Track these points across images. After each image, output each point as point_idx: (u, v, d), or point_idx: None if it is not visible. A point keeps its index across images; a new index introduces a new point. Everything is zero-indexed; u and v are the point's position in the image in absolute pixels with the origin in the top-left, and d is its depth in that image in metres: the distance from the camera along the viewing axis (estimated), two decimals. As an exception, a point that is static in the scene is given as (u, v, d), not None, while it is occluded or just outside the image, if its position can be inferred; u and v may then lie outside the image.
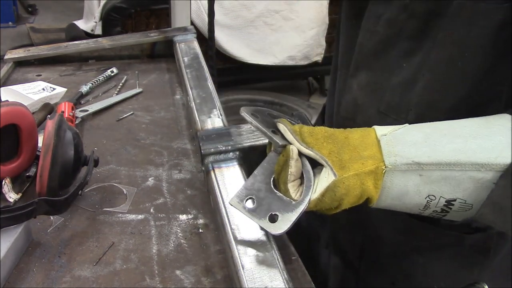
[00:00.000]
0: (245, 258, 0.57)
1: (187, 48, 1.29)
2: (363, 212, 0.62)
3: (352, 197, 0.55)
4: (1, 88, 1.07)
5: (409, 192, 0.56)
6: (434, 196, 0.55)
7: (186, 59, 1.21)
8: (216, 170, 0.73)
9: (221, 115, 0.92)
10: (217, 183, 0.70)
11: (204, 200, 0.79)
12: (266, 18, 3.13)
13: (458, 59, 0.60)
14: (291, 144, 0.57)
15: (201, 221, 0.75)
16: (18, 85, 1.13)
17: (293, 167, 0.56)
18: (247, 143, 0.76)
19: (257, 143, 0.76)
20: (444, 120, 0.58)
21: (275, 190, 0.57)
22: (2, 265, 0.61)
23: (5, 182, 0.77)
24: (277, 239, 0.61)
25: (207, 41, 2.07)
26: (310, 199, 0.55)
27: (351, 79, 0.74)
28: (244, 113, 0.60)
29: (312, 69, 3.35)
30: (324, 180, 0.56)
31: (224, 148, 0.75)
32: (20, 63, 1.31)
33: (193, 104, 0.97)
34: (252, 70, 3.09)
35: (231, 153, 0.76)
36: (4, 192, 0.76)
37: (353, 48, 0.74)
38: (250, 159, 0.76)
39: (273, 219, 0.55)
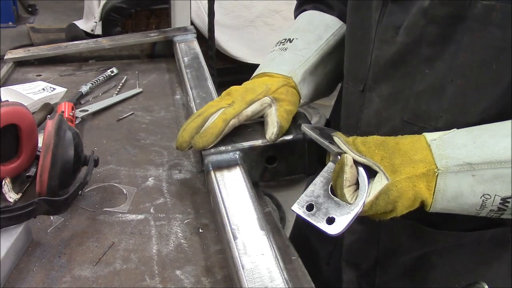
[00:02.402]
0: (245, 258, 0.57)
1: (187, 48, 1.29)
2: (375, 225, 0.64)
3: (405, 199, 0.58)
4: (1, 88, 1.08)
5: (463, 193, 0.58)
6: (489, 195, 0.57)
7: (186, 59, 1.21)
8: (216, 170, 0.73)
9: (221, 115, 0.92)
10: (217, 183, 0.70)
11: (204, 200, 0.79)
12: (266, 18, 3.13)
13: (492, 62, 0.60)
14: (345, 153, 0.62)
15: (201, 221, 0.75)
16: (18, 85, 1.13)
17: (348, 173, 0.60)
18: (247, 143, 0.76)
19: (257, 143, 0.76)
20: (475, 122, 0.62)
21: (333, 196, 0.62)
22: (2, 265, 0.61)
23: (5, 182, 0.77)
24: (277, 239, 0.62)
25: (207, 41, 2.07)
26: (364, 201, 0.59)
27: (370, 92, 0.73)
28: (305, 128, 0.68)
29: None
30: (377, 184, 0.59)
31: (224, 148, 0.76)
32: (20, 63, 1.31)
33: (193, 104, 0.97)
34: (252, 70, 3.08)
35: (231, 153, 0.76)
36: (4, 192, 0.76)
37: (362, 61, 0.74)
38: (250, 159, 0.76)
39: (330, 221, 0.59)
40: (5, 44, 3.82)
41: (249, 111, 0.76)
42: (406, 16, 0.65)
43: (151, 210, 0.76)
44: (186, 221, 0.74)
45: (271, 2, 3.13)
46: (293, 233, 1.07)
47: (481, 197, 0.57)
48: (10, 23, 4.87)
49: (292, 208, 0.63)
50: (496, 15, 0.57)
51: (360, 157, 0.61)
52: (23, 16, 5.15)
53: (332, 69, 0.89)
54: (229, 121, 0.74)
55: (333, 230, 0.59)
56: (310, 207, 0.62)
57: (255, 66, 0.90)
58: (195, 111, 0.93)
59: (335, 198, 0.61)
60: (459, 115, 0.64)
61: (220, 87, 1.09)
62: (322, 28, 0.88)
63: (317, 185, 0.64)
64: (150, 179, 0.84)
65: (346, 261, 0.87)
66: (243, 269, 0.56)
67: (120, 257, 0.67)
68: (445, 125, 0.65)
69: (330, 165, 0.64)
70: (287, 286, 0.54)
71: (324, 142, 0.64)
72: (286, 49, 0.86)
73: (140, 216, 0.75)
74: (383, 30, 0.69)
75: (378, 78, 0.71)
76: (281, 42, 0.88)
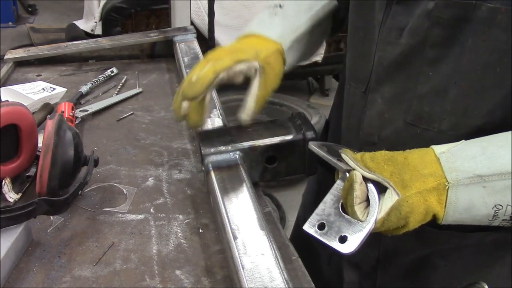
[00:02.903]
0: (245, 258, 0.57)
1: (187, 48, 1.29)
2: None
3: (417, 214, 0.59)
4: (1, 88, 1.08)
5: (475, 205, 0.58)
6: (501, 205, 0.57)
7: (186, 59, 1.21)
8: (216, 170, 0.73)
9: (221, 115, 0.92)
10: (217, 183, 0.70)
11: (204, 200, 0.79)
12: (266, 18, 3.12)
13: (497, 66, 0.60)
14: (354, 170, 0.61)
15: (201, 221, 0.75)
16: (18, 85, 1.13)
17: (358, 190, 0.60)
18: (247, 143, 0.76)
19: (257, 143, 0.76)
20: (479, 124, 0.62)
21: (343, 213, 0.61)
22: (2, 265, 0.61)
23: (5, 182, 0.77)
24: (277, 239, 0.62)
25: (207, 41, 2.07)
26: (376, 218, 0.59)
27: (373, 93, 0.72)
28: (312, 146, 0.67)
29: (312, 69, 3.34)
30: (388, 200, 0.59)
31: (224, 148, 0.76)
32: (20, 63, 1.31)
33: (193, 104, 0.97)
34: (252, 70, 3.08)
35: (231, 153, 0.76)
36: (4, 192, 0.76)
37: (365, 61, 0.73)
38: (250, 159, 0.76)
39: (343, 239, 0.59)
40: (5, 44, 3.82)
41: (238, 68, 0.73)
42: (410, 17, 0.65)
43: (151, 210, 0.76)
44: (186, 221, 0.74)
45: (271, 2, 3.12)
46: (294, 233, 1.07)
47: (493, 208, 0.58)
48: (10, 23, 4.87)
49: (304, 227, 0.63)
50: (501, 18, 0.57)
51: (369, 173, 0.60)
52: (23, 16, 5.15)
53: (318, 40, 0.91)
54: (219, 73, 0.71)
55: (346, 249, 0.59)
56: (321, 226, 0.62)
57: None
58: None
59: (346, 216, 0.61)
60: (462, 118, 0.64)
61: (220, 87, 1.09)
62: None
63: (328, 203, 0.64)
64: (150, 179, 0.84)
65: (347, 261, 0.86)
66: (243, 269, 0.56)
67: (120, 257, 0.67)
68: (448, 128, 0.65)
69: (339, 183, 0.64)
70: (287, 286, 0.54)
71: (332, 160, 0.64)
72: (275, 14, 0.85)
73: (140, 216, 0.75)
74: (387, 32, 0.68)
75: (381, 79, 0.71)
76: (271, 7, 0.87)
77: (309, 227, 0.63)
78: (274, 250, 0.59)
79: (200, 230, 0.72)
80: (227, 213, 0.64)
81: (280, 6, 0.86)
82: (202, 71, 0.71)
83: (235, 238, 0.60)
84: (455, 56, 0.62)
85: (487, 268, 0.75)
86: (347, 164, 0.63)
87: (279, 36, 0.81)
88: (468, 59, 0.61)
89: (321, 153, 0.66)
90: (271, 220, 0.74)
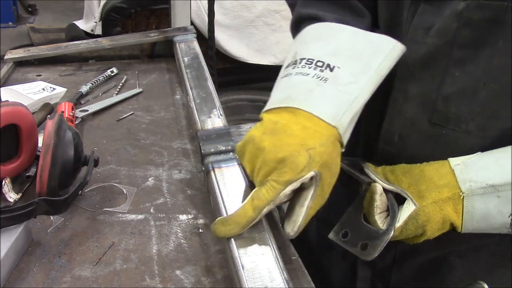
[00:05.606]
0: (245, 258, 0.57)
1: (187, 48, 1.30)
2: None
3: (434, 223, 0.62)
4: (1, 88, 1.08)
5: (491, 214, 0.60)
6: None
7: (186, 59, 1.21)
8: (216, 170, 0.73)
9: (221, 115, 0.92)
10: (217, 183, 0.70)
11: (204, 200, 0.79)
12: (266, 18, 3.13)
13: None
14: (375, 182, 0.66)
15: (201, 221, 0.75)
16: (18, 85, 1.13)
17: (378, 201, 0.64)
18: (247, 143, 0.76)
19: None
20: (507, 126, 0.63)
21: (365, 222, 0.67)
22: (2, 265, 0.61)
23: (5, 182, 0.77)
24: (277, 239, 0.62)
25: (207, 41, 2.07)
26: (394, 227, 0.63)
27: (395, 92, 0.71)
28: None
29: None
30: (406, 210, 0.63)
31: (224, 148, 0.76)
32: (20, 63, 1.31)
33: (193, 104, 0.97)
34: (252, 70, 3.08)
35: (231, 153, 0.76)
36: (4, 192, 0.76)
37: None
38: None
39: (364, 247, 0.64)
40: (5, 44, 3.81)
41: (288, 191, 0.59)
42: (438, 17, 0.64)
43: (151, 210, 0.76)
44: (186, 221, 0.74)
45: (271, 2, 3.12)
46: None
47: (509, 217, 0.59)
48: (10, 23, 4.86)
49: (329, 236, 0.69)
50: None
51: (388, 185, 0.65)
52: (23, 16, 5.14)
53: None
54: (262, 209, 0.59)
55: (367, 255, 0.63)
56: (345, 234, 0.68)
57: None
58: (195, 111, 0.94)
59: (367, 225, 0.66)
60: (490, 119, 0.64)
61: (220, 87, 1.09)
62: (370, 51, 0.65)
63: (351, 213, 0.69)
64: (150, 179, 0.84)
65: (361, 260, 0.86)
66: (243, 269, 0.56)
67: (120, 257, 0.67)
68: (476, 129, 0.65)
69: (362, 194, 0.69)
70: (287, 286, 0.54)
71: (355, 173, 0.69)
72: (326, 79, 0.63)
73: (140, 216, 0.75)
74: (413, 30, 0.67)
75: (404, 78, 0.69)
76: (316, 65, 0.64)
77: (334, 235, 0.69)
78: (274, 250, 0.59)
79: (200, 230, 0.72)
80: (227, 213, 0.64)
81: (330, 68, 0.63)
82: (239, 209, 0.59)
83: (235, 238, 0.60)
84: (484, 58, 0.61)
85: (503, 269, 0.74)
86: (369, 177, 0.67)
87: (333, 117, 0.61)
88: (499, 61, 0.61)
89: (345, 167, 0.70)
90: (271, 220, 0.74)
